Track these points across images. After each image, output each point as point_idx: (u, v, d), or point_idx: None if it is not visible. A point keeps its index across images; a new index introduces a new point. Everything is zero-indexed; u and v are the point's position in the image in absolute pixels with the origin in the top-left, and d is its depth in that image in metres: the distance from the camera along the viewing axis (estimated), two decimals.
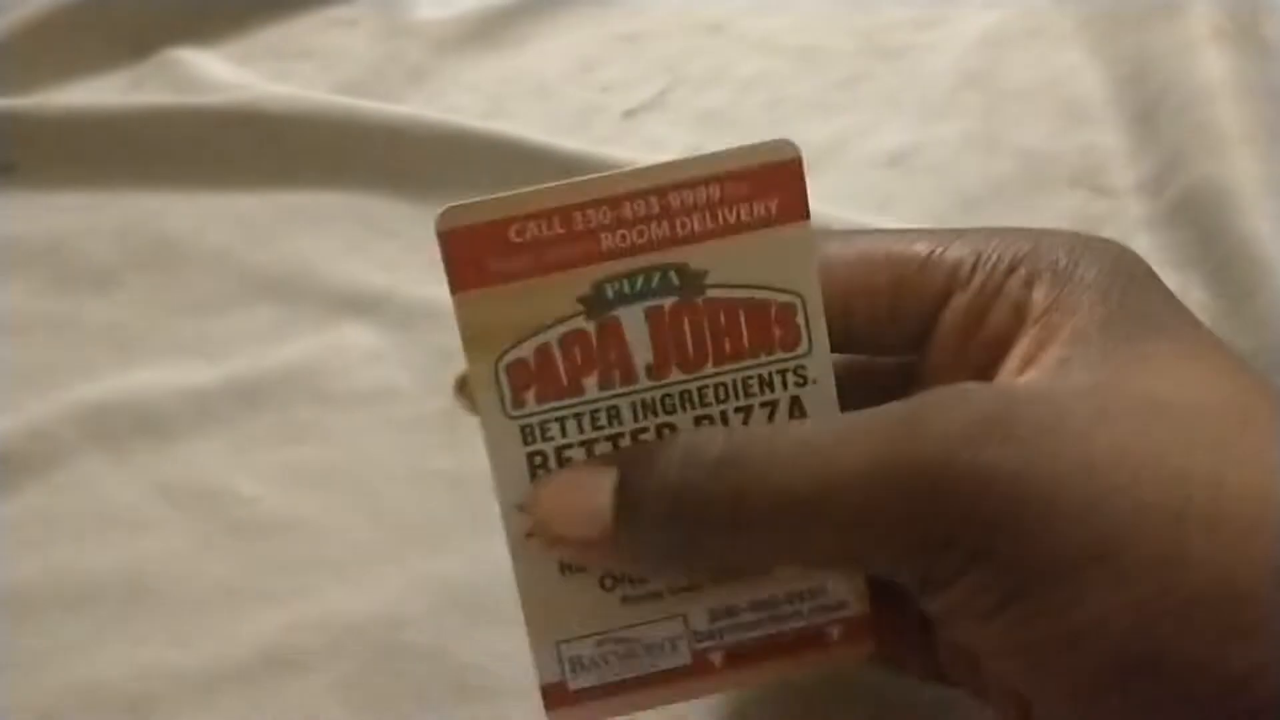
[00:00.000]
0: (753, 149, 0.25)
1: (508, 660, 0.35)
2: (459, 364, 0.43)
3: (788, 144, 0.25)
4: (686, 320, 0.25)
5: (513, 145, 0.49)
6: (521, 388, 0.26)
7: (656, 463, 0.24)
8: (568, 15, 0.58)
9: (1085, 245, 0.27)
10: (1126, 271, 0.26)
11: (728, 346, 0.26)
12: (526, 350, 0.25)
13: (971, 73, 0.54)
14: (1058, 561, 0.22)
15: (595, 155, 0.49)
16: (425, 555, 0.38)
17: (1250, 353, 0.40)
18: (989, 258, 0.27)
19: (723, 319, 0.26)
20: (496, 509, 0.39)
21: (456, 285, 0.25)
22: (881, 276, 0.28)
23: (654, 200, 0.25)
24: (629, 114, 0.53)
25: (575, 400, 0.26)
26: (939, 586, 0.23)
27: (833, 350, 0.27)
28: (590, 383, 0.26)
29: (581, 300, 0.25)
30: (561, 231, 0.25)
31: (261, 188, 0.50)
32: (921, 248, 0.28)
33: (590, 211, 0.25)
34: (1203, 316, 0.41)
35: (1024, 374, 0.25)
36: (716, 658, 0.27)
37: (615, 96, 0.54)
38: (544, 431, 0.26)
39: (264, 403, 0.43)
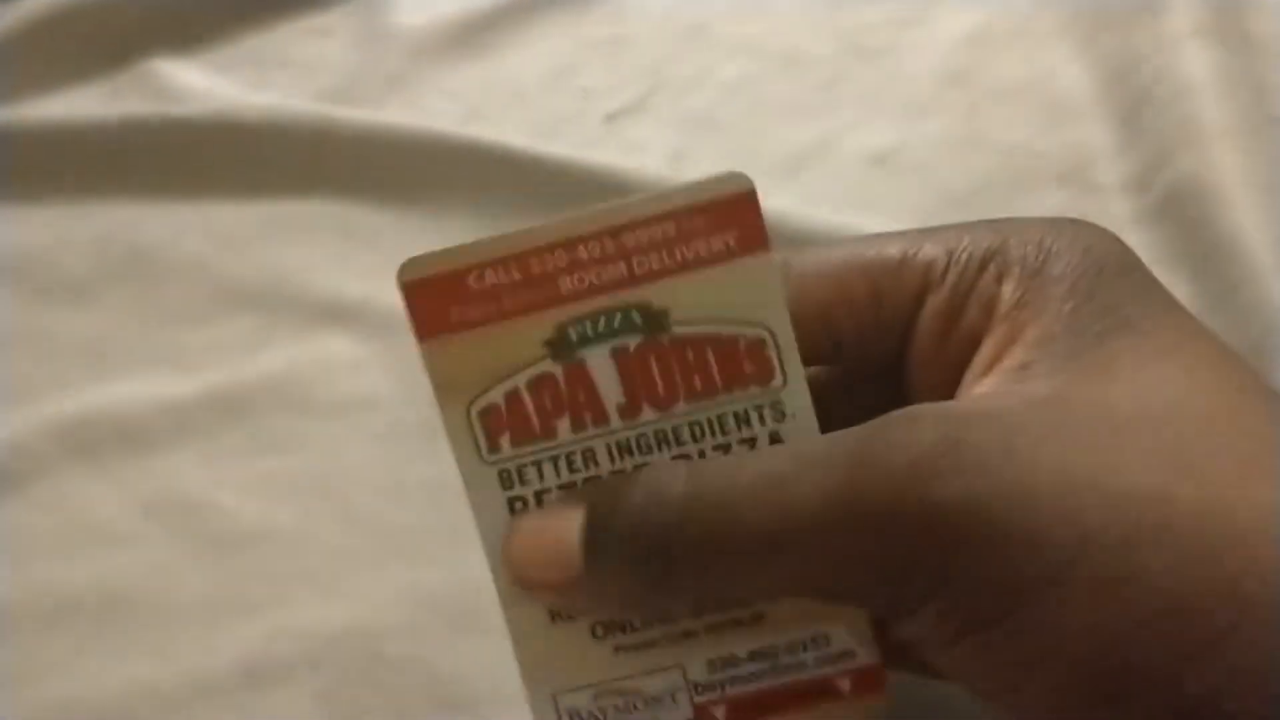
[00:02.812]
0: (705, 183, 0.25)
1: (488, 670, 0.35)
2: None
3: (740, 176, 0.25)
4: (654, 359, 0.25)
5: (492, 151, 0.49)
6: (495, 433, 0.26)
7: (621, 502, 0.24)
8: (547, 20, 0.57)
9: (1058, 234, 0.26)
10: (1099, 261, 0.26)
11: (699, 384, 0.25)
12: (496, 395, 0.25)
13: (955, 72, 0.54)
14: (1011, 589, 0.22)
15: (576, 160, 0.48)
16: (405, 565, 0.38)
17: (1236, 348, 0.39)
18: (960, 255, 0.27)
19: (691, 356, 0.25)
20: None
21: (421, 334, 0.25)
22: (859, 286, 0.28)
23: (609, 241, 0.25)
24: (610, 118, 0.53)
25: (549, 444, 0.26)
26: (903, 616, 0.23)
27: (821, 364, 0.27)
28: (563, 425, 0.25)
29: (546, 344, 0.25)
30: (519, 277, 0.25)
31: (238, 197, 0.49)
32: (895, 251, 0.27)
33: (547, 256, 0.25)
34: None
35: (986, 377, 0.25)
36: (719, 711, 0.26)
37: (596, 101, 0.54)
38: (521, 476, 0.26)
39: (242, 414, 0.42)
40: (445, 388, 0.26)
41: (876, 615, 0.25)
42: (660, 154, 0.51)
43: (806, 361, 0.26)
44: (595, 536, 0.24)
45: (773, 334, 0.25)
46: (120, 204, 0.50)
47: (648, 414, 0.25)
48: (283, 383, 0.43)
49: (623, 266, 0.25)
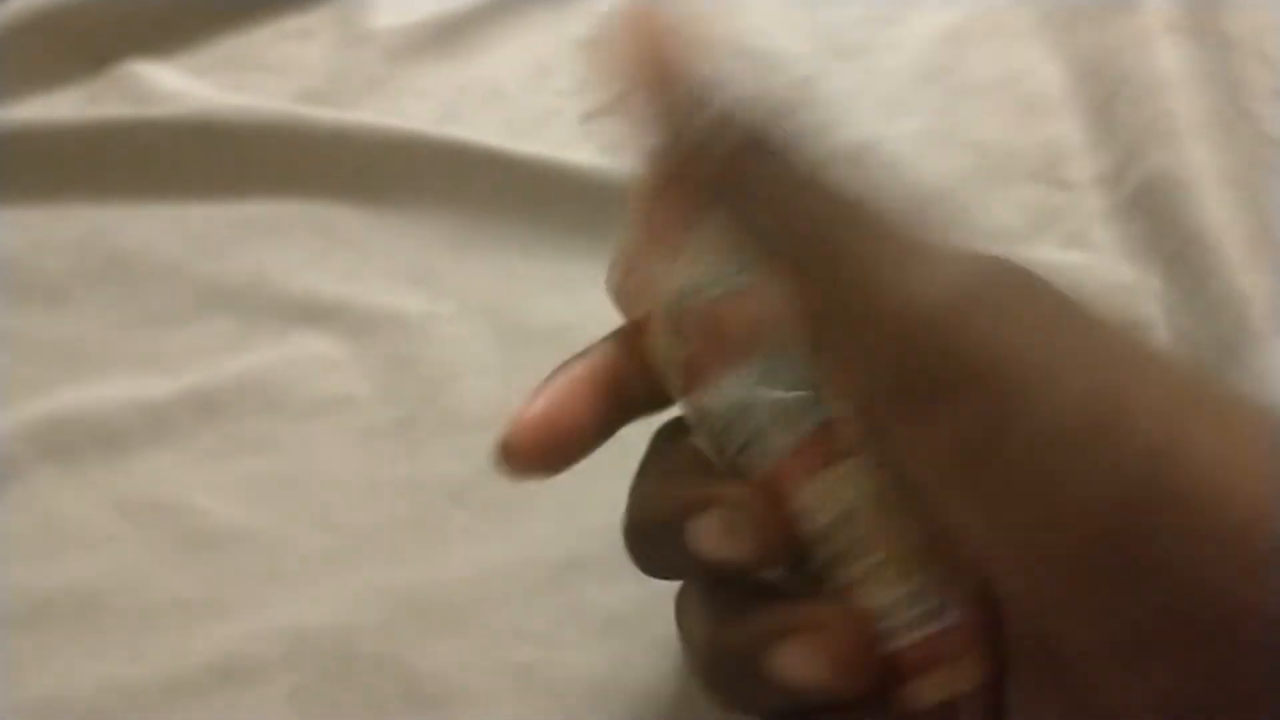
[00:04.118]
0: None
1: (462, 668, 0.35)
2: (416, 373, 0.43)
3: None
4: None
5: (469, 151, 0.49)
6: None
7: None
8: (524, 20, 0.57)
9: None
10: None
11: None
12: None
13: (930, 69, 0.54)
14: (1050, 426, 0.21)
15: (553, 160, 0.49)
16: (380, 565, 0.38)
17: (1205, 341, 0.40)
18: None
19: None
20: (453, 517, 0.39)
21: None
22: None
23: None
24: (587, 118, 0.53)
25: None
26: (914, 414, 0.22)
27: None
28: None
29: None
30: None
31: (215, 199, 0.50)
32: None
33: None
34: (1158, 306, 0.42)
35: None
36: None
37: (573, 100, 0.54)
38: None
39: (219, 414, 0.42)
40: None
41: (882, 419, 0.24)
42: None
43: None
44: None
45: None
46: (98, 206, 0.50)
47: None
48: (259, 383, 0.43)
49: None
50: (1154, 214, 0.44)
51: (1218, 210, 0.43)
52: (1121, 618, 0.20)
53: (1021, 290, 0.23)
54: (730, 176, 0.25)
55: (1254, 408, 0.22)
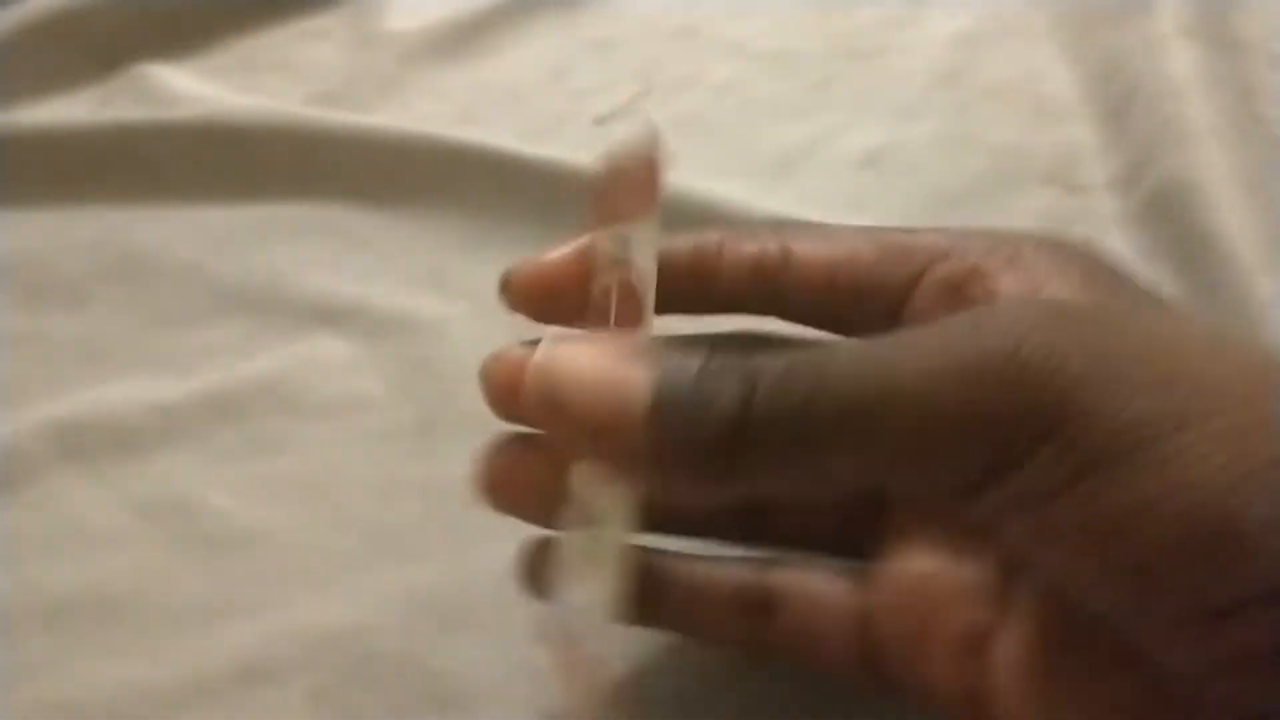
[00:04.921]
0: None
1: (480, 668, 0.35)
2: (431, 375, 0.43)
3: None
4: None
5: (484, 153, 0.49)
6: None
7: (713, 396, 0.24)
8: (539, 22, 0.57)
9: (1060, 239, 0.28)
10: (1102, 262, 0.28)
11: None
12: None
13: (944, 73, 0.54)
14: (1136, 431, 0.22)
15: (567, 162, 0.48)
16: (397, 565, 0.38)
17: None
18: (963, 242, 0.28)
19: None
20: (470, 517, 0.39)
21: None
22: (866, 250, 0.29)
23: None
24: (601, 120, 0.53)
25: None
26: (1005, 470, 0.23)
27: (815, 325, 0.30)
28: None
29: None
30: None
31: (230, 200, 0.50)
32: (901, 233, 0.29)
33: None
34: None
35: None
36: None
37: (587, 103, 0.54)
38: None
39: (235, 415, 0.42)
40: None
41: (962, 487, 0.24)
42: None
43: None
44: (664, 398, 0.25)
45: None
46: (113, 208, 0.50)
47: None
48: (276, 384, 0.43)
49: None
50: (1168, 218, 0.44)
51: (1232, 214, 0.43)
52: (1194, 596, 0.21)
53: (1063, 315, 0.24)
54: None
55: None
